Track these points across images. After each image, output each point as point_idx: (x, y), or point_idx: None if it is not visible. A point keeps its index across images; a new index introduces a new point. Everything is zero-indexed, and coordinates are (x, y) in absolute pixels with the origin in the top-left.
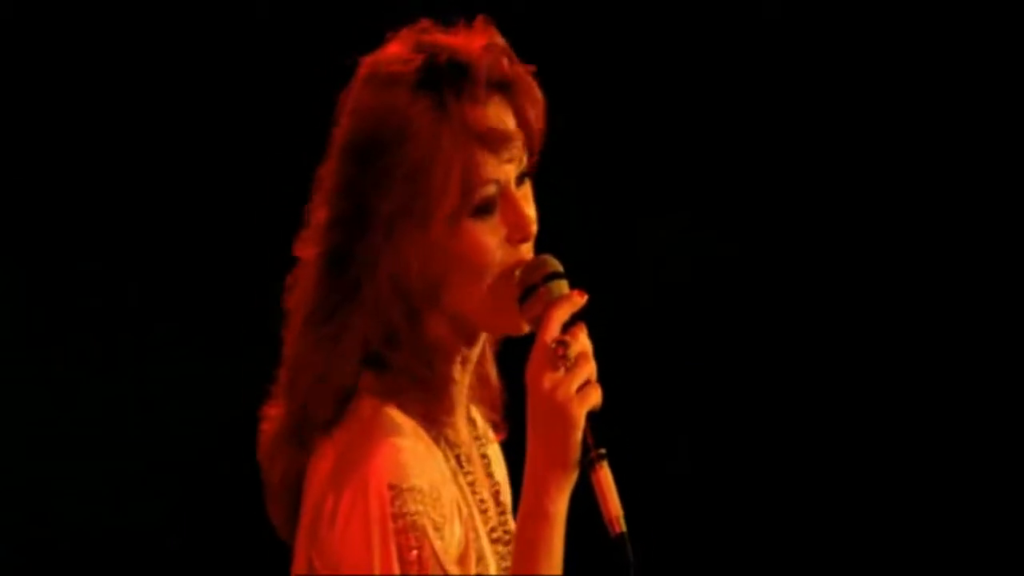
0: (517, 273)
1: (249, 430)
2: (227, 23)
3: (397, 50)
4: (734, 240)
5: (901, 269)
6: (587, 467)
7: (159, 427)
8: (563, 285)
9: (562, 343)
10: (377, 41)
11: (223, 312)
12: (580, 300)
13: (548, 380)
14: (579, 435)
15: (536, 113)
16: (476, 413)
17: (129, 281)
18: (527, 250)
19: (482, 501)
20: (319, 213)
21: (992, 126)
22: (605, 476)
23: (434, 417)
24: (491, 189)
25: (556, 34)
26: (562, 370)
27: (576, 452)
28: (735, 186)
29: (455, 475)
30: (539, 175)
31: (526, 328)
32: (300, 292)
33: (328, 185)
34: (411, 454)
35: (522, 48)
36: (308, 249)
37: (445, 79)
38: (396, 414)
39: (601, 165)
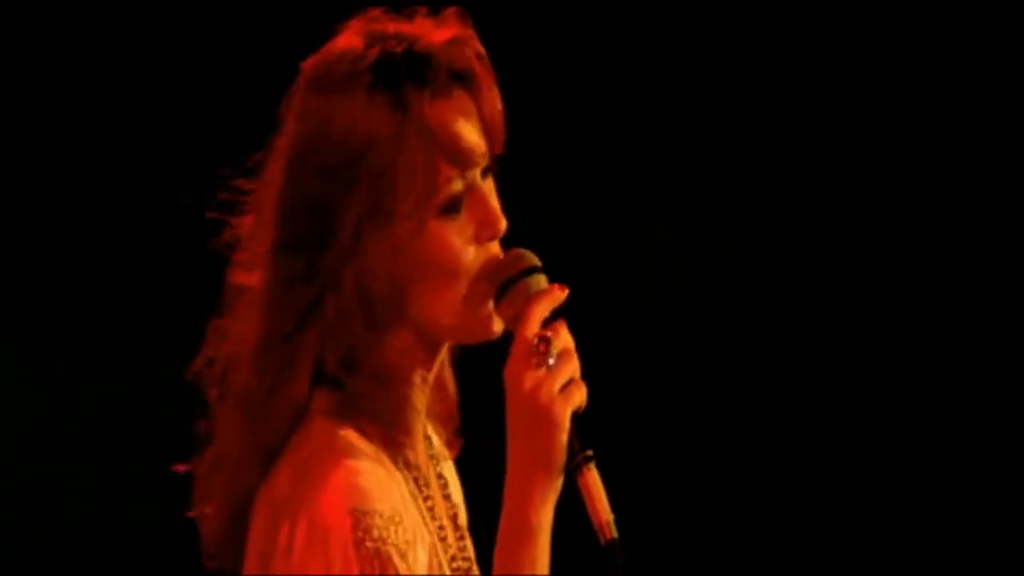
0: (489, 272)
1: None
2: (227, 23)
3: (346, 46)
4: (734, 240)
5: (901, 269)
6: (573, 471)
7: (159, 427)
8: (541, 279)
9: (544, 339)
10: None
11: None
12: (561, 294)
13: (530, 380)
14: (564, 437)
15: (498, 105)
16: (431, 430)
17: (129, 281)
18: (496, 248)
19: (441, 527)
20: (263, 235)
21: (992, 126)
22: (593, 479)
23: (392, 438)
24: (457, 186)
25: (556, 34)
26: (543, 368)
27: (562, 456)
28: (735, 186)
29: (415, 499)
30: (539, 175)
31: (498, 331)
32: (243, 323)
33: (275, 203)
34: (371, 477)
35: (522, 48)
36: (253, 275)
37: (403, 74)
38: (352, 435)
39: (601, 165)
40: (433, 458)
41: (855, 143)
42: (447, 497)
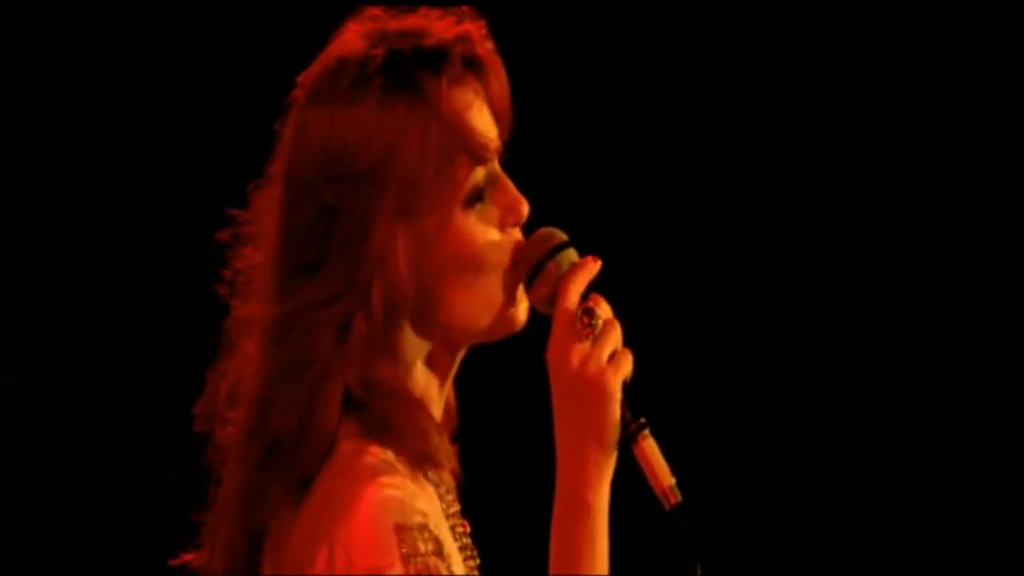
0: (517, 258)
1: None
2: (227, 23)
3: (348, 52)
4: (734, 240)
5: (902, 269)
6: (628, 442)
7: (159, 427)
8: (571, 253)
9: (588, 311)
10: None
11: (223, 312)
12: (595, 266)
13: (576, 354)
14: (618, 409)
15: (507, 92)
16: None
17: (129, 281)
18: (519, 234)
19: (463, 547)
20: (269, 264)
21: (993, 126)
22: (650, 447)
23: (418, 453)
24: (479, 176)
25: (555, 34)
26: (588, 341)
27: (616, 429)
28: (735, 186)
29: (443, 513)
30: (540, 175)
31: (523, 321)
32: (253, 359)
33: (280, 228)
34: (407, 491)
35: (521, 48)
36: (267, 307)
37: (417, 69)
38: (381, 451)
39: (601, 165)
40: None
41: (855, 143)
42: (458, 512)
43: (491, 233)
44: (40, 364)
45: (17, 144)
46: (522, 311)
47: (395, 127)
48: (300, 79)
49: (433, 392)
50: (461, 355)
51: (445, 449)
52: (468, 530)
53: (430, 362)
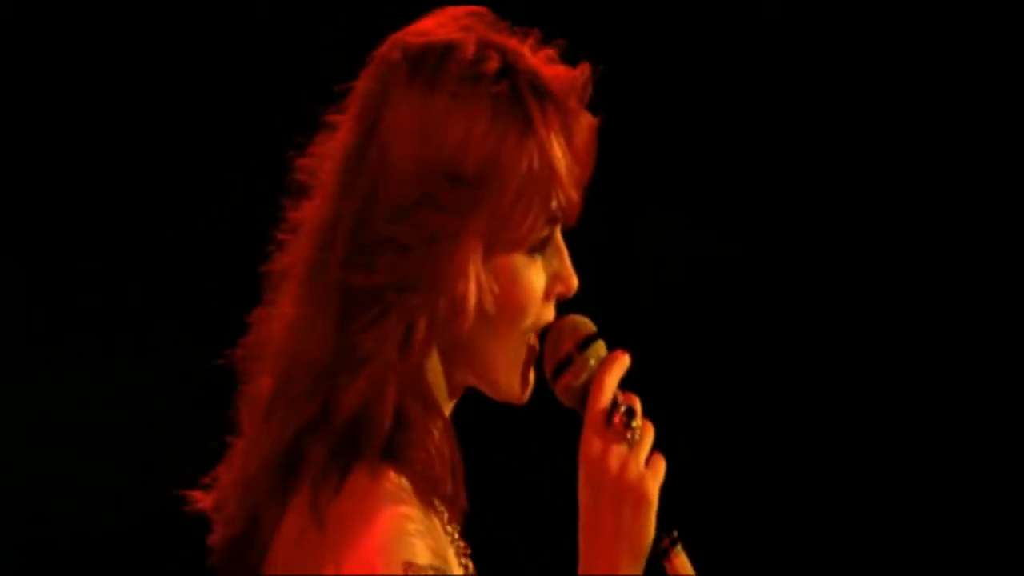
0: (533, 337)
1: None
2: (227, 23)
3: (454, 42)
4: (734, 240)
5: (903, 269)
6: (661, 556)
7: (159, 427)
8: (601, 346)
9: (629, 412)
10: (378, 39)
11: (223, 312)
12: (627, 360)
13: (615, 457)
14: (654, 517)
15: (593, 156)
16: None
17: (129, 281)
18: (552, 312)
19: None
20: (358, 226)
21: (993, 126)
22: (683, 564)
23: (428, 483)
24: (549, 229)
25: (555, 34)
26: (624, 443)
27: (650, 538)
28: (735, 186)
29: (449, 540)
30: None
31: (525, 399)
32: (300, 319)
33: (379, 199)
34: (421, 525)
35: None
36: (333, 267)
37: (532, 98)
38: (397, 477)
39: (601, 164)
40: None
41: (855, 143)
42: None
43: (540, 291)
44: (40, 364)
45: (17, 144)
46: (529, 390)
47: (506, 146)
48: (394, 46)
49: (440, 423)
50: (459, 395)
51: (445, 477)
52: (469, 552)
53: (442, 396)
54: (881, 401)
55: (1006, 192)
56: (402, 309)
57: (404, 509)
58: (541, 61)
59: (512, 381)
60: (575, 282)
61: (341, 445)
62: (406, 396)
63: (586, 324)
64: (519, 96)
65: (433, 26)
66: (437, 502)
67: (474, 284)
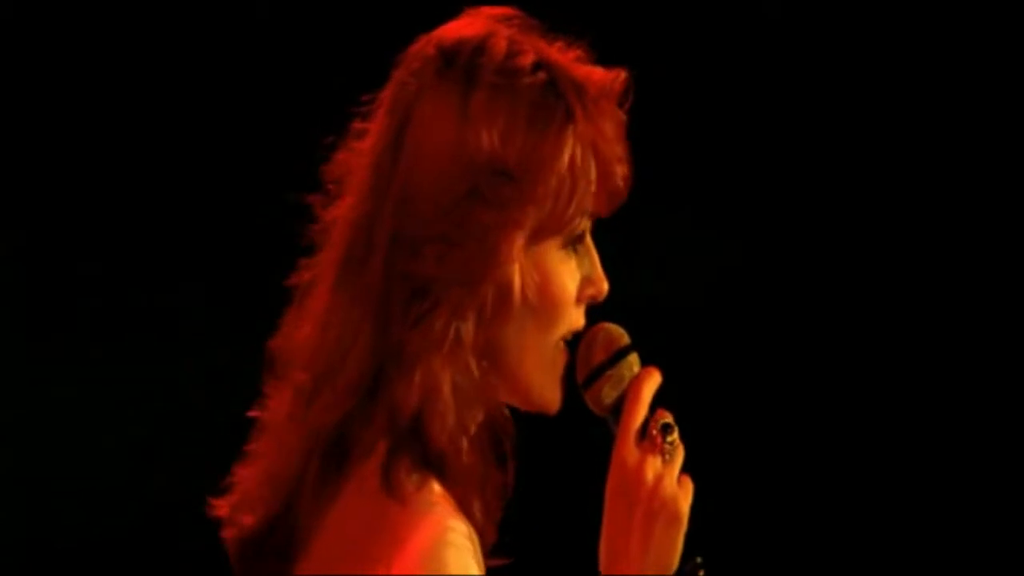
0: (578, 345)
1: (251, 431)
2: (227, 23)
3: (492, 36)
4: (734, 239)
5: (904, 270)
6: None
7: (159, 427)
8: (635, 360)
9: (667, 427)
10: (378, 40)
11: (224, 312)
12: (658, 374)
13: (651, 469)
14: (682, 538)
15: (627, 157)
16: None
17: (129, 281)
18: (582, 317)
19: None
20: (403, 212)
21: (993, 126)
22: None
23: (461, 493)
24: (586, 223)
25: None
26: (659, 458)
27: (677, 559)
28: (736, 186)
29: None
30: None
31: (556, 409)
32: (347, 305)
33: (423, 189)
34: (466, 538)
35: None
36: (379, 255)
37: (571, 90)
38: (440, 489)
39: None
40: None
41: (856, 143)
42: None
43: (573, 292)
44: (40, 364)
45: (18, 144)
46: (561, 399)
47: (548, 138)
48: (431, 39)
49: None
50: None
51: (473, 489)
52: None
53: (491, 399)
54: (883, 400)
55: (1008, 191)
56: (450, 305)
57: (449, 522)
58: (571, 60)
59: (545, 389)
60: (606, 286)
61: (400, 441)
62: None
63: (621, 334)
64: (557, 88)
65: (465, 24)
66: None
67: (519, 276)
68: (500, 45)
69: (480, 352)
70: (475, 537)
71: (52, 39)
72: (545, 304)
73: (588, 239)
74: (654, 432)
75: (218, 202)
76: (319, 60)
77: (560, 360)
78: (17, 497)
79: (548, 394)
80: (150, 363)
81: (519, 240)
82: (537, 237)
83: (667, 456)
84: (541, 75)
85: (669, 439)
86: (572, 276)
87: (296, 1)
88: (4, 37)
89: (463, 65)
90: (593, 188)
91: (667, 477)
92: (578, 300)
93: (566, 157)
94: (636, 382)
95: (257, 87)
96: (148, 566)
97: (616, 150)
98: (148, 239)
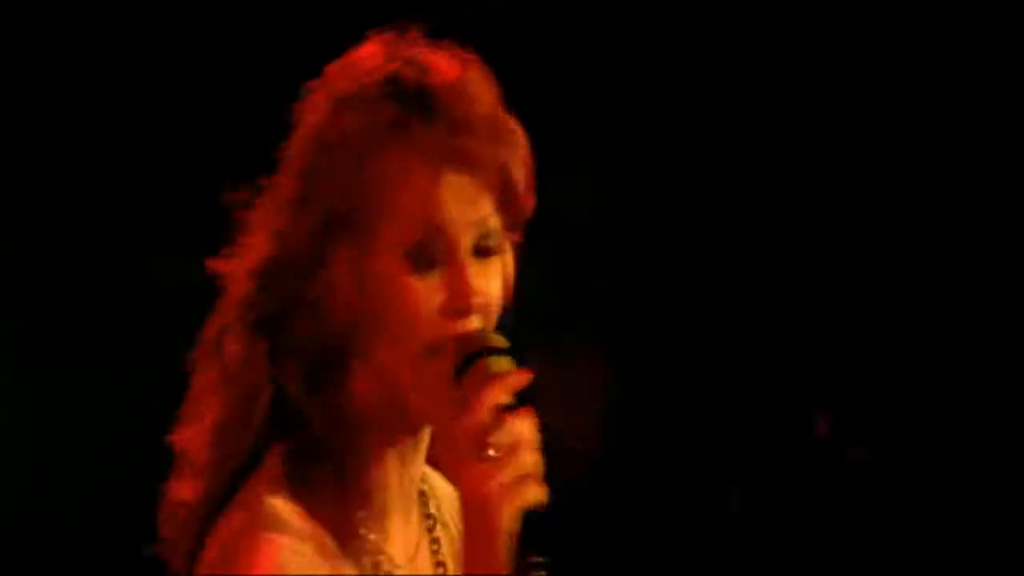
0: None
1: None
2: (227, 23)
3: (369, 62)
4: (735, 238)
5: (904, 270)
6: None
7: (159, 427)
8: (502, 362)
9: (485, 432)
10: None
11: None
12: (518, 380)
13: (476, 468)
14: (504, 537)
15: (522, 174)
16: (437, 479)
17: (129, 281)
18: (473, 324)
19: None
20: (299, 211)
21: (993, 126)
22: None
23: (349, 515)
24: (434, 239)
25: (554, 33)
26: (486, 460)
27: (502, 558)
28: (736, 185)
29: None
30: (542, 171)
31: (436, 418)
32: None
33: (277, 201)
34: (292, 554)
35: (520, 48)
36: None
37: (413, 108)
38: (285, 506)
39: (600, 164)
40: (428, 518)
41: (856, 143)
42: (440, 564)
43: (430, 305)
44: (40, 364)
45: (18, 144)
46: (443, 411)
47: (392, 165)
48: (327, 69)
49: (389, 458)
50: (423, 436)
51: (392, 512)
52: (440, 547)
53: (377, 403)
54: (884, 400)
55: (1007, 191)
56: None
57: (276, 538)
58: (455, 79)
59: (427, 396)
60: (468, 300)
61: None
62: (317, 411)
63: (496, 340)
64: (405, 107)
65: (356, 52)
66: (371, 541)
67: (361, 295)
68: (364, 71)
69: (350, 378)
70: (330, 550)
71: (52, 39)
72: (393, 315)
73: (459, 253)
74: (472, 435)
75: (218, 202)
76: (319, 60)
77: (432, 370)
78: (17, 497)
79: (430, 405)
80: (150, 363)
81: (345, 253)
82: (378, 249)
83: (490, 458)
84: (393, 98)
85: (491, 442)
86: (428, 290)
87: (296, 1)
88: (4, 37)
89: (327, 92)
90: (434, 210)
91: (486, 476)
92: (441, 312)
93: (410, 182)
94: (487, 380)
95: (259, 88)
96: (148, 567)
97: (458, 183)
98: (148, 239)
